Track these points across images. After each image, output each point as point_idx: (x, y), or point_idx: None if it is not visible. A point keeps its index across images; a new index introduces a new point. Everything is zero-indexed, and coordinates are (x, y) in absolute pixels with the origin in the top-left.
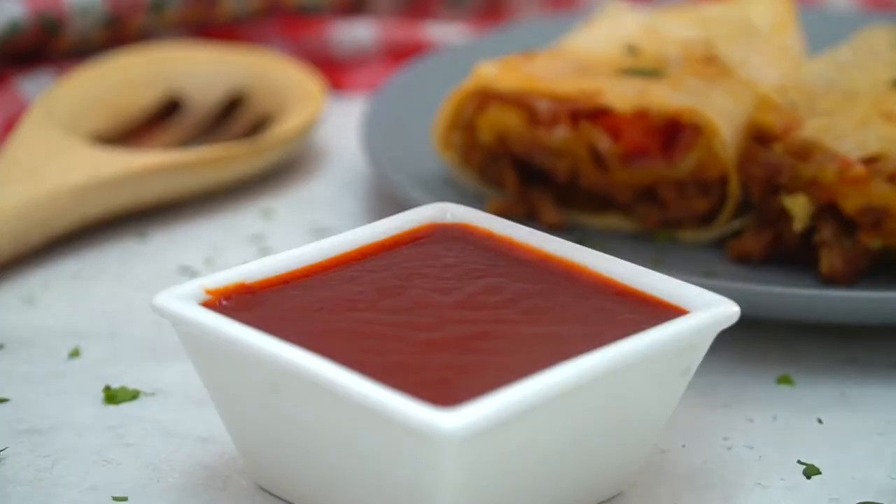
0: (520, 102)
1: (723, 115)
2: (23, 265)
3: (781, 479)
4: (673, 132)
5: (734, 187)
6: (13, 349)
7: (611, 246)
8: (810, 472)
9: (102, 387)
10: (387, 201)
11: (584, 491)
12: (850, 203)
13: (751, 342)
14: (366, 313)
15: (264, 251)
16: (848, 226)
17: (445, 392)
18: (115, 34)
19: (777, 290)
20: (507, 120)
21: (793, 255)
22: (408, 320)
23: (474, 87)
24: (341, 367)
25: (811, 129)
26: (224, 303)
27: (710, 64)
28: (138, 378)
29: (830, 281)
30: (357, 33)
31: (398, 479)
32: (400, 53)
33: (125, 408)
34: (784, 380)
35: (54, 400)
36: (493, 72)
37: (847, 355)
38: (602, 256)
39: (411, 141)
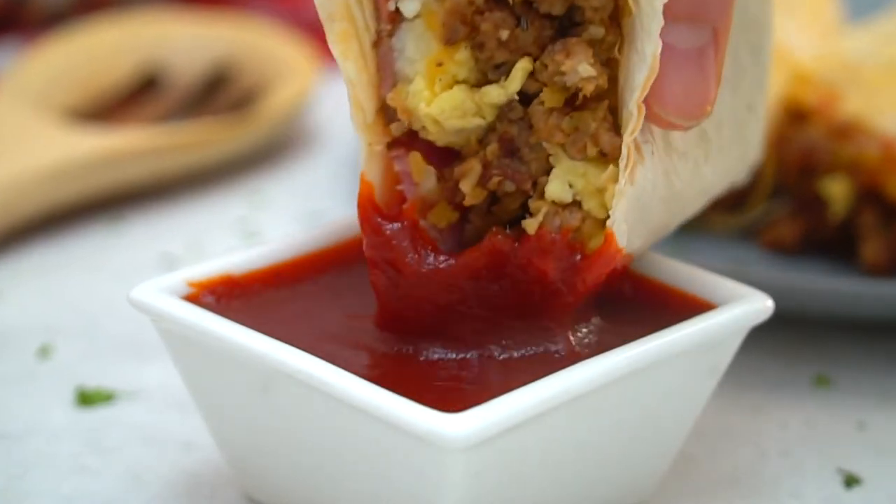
0: None
1: None
2: None
3: (818, 490)
4: None
5: (767, 169)
6: None
7: None
8: (850, 481)
9: (76, 388)
10: None
11: (601, 502)
12: (894, 187)
13: (785, 339)
14: (364, 311)
15: (252, 238)
16: (891, 212)
17: (451, 395)
18: (89, 2)
19: (813, 282)
20: None
21: (831, 245)
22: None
23: None
24: (338, 367)
25: (851, 105)
26: (208, 297)
27: None
28: (115, 378)
29: (872, 272)
30: None
31: (399, 487)
32: None
33: (101, 411)
34: (821, 381)
35: (24, 402)
36: None
37: (889, 354)
38: None
39: None
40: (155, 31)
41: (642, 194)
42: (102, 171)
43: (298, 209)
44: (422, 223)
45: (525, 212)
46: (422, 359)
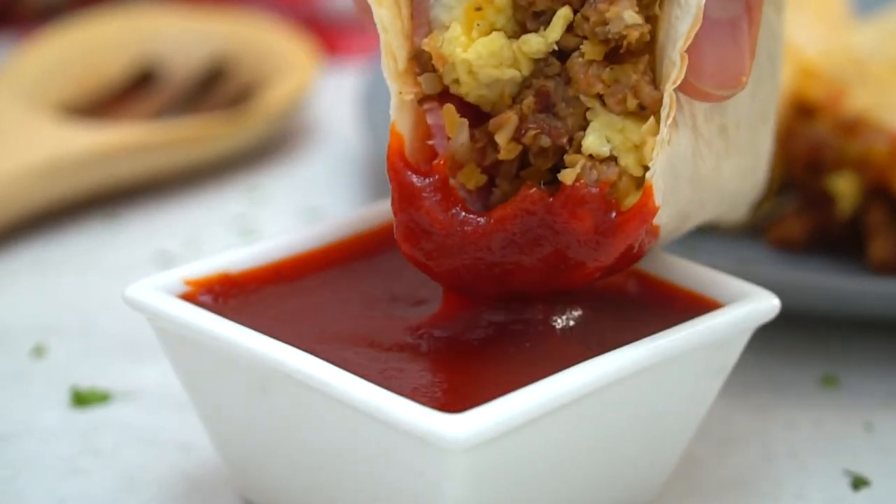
0: None
1: None
2: None
3: (825, 491)
4: None
5: (774, 165)
6: None
7: None
8: (858, 483)
9: (71, 388)
10: (386, 180)
11: None
12: None
13: (791, 339)
14: (363, 309)
15: (250, 236)
16: None
17: (452, 395)
18: None
19: (821, 280)
20: None
21: (838, 242)
22: (410, 317)
23: None
24: (337, 366)
25: (859, 101)
26: (205, 295)
27: None
28: (111, 378)
29: (880, 270)
30: None
31: (399, 489)
32: None
33: (96, 411)
34: (828, 381)
35: (17, 403)
36: None
37: None
38: None
39: None
40: (151, 26)
41: (676, 161)
42: (97, 167)
43: (297, 206)
44: (451, 182)
45: (556, 176)
46: (424, 351)
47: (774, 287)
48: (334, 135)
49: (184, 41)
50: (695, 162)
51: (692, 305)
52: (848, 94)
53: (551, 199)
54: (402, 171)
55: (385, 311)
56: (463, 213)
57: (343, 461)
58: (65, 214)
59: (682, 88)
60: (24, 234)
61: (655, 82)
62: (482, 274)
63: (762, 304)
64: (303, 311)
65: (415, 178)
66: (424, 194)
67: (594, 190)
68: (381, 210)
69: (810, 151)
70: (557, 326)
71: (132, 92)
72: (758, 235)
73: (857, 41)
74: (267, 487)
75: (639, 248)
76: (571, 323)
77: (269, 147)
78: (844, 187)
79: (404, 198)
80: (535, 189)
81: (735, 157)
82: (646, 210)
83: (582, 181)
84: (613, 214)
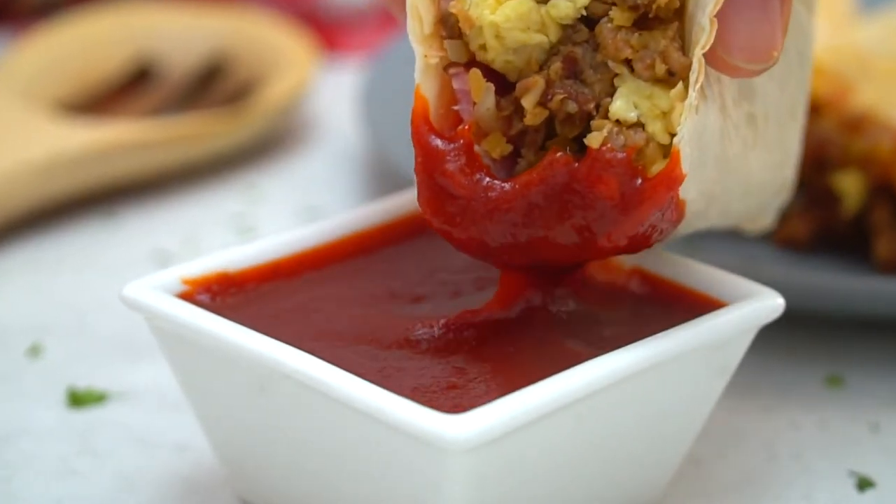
0: None
1: None
2: None
3: (830, 493)
4: None
5: None
6: None
7: None
8: (863, 484)
9: (67, 388)
10: (386, 178)
11: None
12: None
13: (796, 339)
14: (363, 309)
15: (248, 234)
16: None
17: (453, 397)
18: None
19: (826, 279)
20: None
21: (844, 241)
22: (410, 316)
23: None
24: (336, 366)
25: (864, 98)
26: (203, 294)
27: None
28: (107, 378)
29: (885, 269)
30: None
31: (399, 490)
32: None
33: (92, 412)
34: (833, 381)
35: (13, 403)
36: None
37: None
38: None
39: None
40: (148, 22)
41: (704, 132)
42: (94, 165)
43: (296, 204)
44: (476, 148)
45: (582, 144)
46: (424, 348)
47: (779, 286)
48: (333, 132)
49: (181, 37)
50: (722, 142)
51: (696, 304)
52: (853, 90)
53: (577, 165)
54: (426, 135)
55: (384, 308)
56: (487, 179)
57: (342, 462)
58: (61, 212)
59: (712, 63)
60: (19, 232)
61: (684, 49)
62: (507, 243)
63: (766, 304)
64: (301, 310)
65: (439, 142)
66: (448, 158)
67: (621, 155)
68: (381, 208)
69: (815, 149)
70: (560, 326)
71: (129, 89)
72: (762, 234)
73: (863, 38)
74: (265, 488)
75: (666, 221)
76: (574, 322)
77: (268, 145)
78: (849, 185)
79: (428, 161)
80: (560, 153)
81: (762, 150)
82: (672, 176)
83: (608, 145)
84: (639, 181)
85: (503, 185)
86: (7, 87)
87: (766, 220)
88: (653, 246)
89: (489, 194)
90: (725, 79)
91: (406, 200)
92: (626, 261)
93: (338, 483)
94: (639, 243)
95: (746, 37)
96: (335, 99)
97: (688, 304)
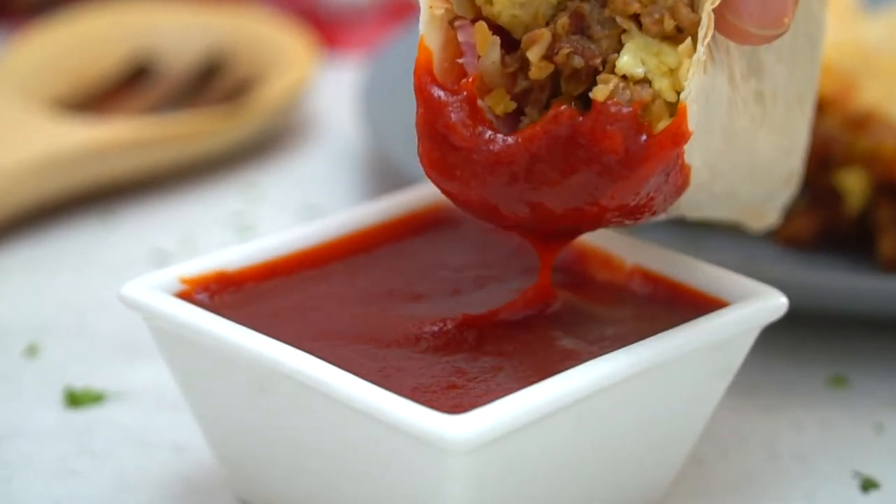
0: None
1: None
2: None
3: (834, 494)
4: None
5: None
6: None
7: (641, 229)
8: (867, 485)
9: (65, 388)
10: (386, 176)
11: None
12: None
13: (799, 338)
14: (363, 307)
15: (247, 233)
16: None
17: (453, 397)
18: None
19: (830, 278)
20: None
21: (847, 240)
22: (410, 316)
23: None
24: (336, 366)
25: (868, 95)
26: (202, 294)
27: None
28: (105, 378)
29: (890, 268)
30: None
31: (399, 490)
32: (400, 9)
33: (91, 412)
34: (837, 381)
35: (10, 404)
36: None
37: None
38: (631, 241)
39: (413, 108)
40: (146, 19)
41: (711, 94)
42: (92, 163)
43: (295, 203)
44: (479, 103)
45: (587, 101)
46: (424, 348)
47: (782, 285)
48: (333, 131)
49: (180, 35)
50: (730, 113)
51: (698, 304)
52: (857, 88)
53: (581, 119)
54: (428, 86)
55: (383, 307)
56: (489, 132)
57: (342, 462)
58: (59, 211)
59: (722, 28)
60: (17, 231)
61: (693, 6)
62: (510, 201)
63: (769, 303)
64: (300, 309)
65: (441, 93)
66: (450, 109)
67: (626, 109)
68: (380, 206)
69: (819, 147)
70: (561, 325)
71: (127, 87)
72: (765, 232)
73: (867, 35)
74: (264, 489)
75: (670, 185)
76: (575, 321)
77: (267, 143)
78: (853, 183)
79: (429, 112)
80: (565, 107)
81: (769, 130)
82: (679, 133)
83: (614, 99)
84: (644, 137)
85: (506, 138)
86: (4, 85)
87: (770, 216)
88: (656, 215)
89: (491, 147)
90: (734, 51)
91: (406, 199)
92: (628, 259)
93: (338, 483)
94: (642, 209)
95: (758, 1)
96: (335, 97)
97: (690, 304)
